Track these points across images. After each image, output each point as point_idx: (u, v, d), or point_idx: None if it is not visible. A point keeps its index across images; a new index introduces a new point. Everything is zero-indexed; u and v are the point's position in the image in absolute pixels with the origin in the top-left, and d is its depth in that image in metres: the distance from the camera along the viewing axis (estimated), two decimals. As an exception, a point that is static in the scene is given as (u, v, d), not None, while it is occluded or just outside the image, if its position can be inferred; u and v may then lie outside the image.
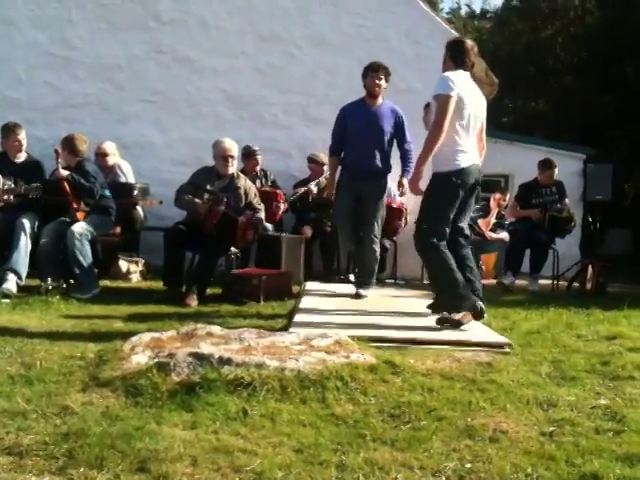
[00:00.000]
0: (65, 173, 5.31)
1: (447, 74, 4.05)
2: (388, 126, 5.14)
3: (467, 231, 4.29)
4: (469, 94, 4.07)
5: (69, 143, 5.53)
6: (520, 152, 9.44)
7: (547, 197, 7.10)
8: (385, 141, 5.14)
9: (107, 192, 5.64)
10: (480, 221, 7.58)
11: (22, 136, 5.51)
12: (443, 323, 4.01)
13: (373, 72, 5.15)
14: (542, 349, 3.78)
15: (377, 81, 5.14)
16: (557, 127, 15.31)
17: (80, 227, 5.27)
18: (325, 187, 6.83)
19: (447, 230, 4.06)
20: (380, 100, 5.22)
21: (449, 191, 4.04)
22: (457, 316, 3.99)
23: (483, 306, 4.21)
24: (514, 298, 6.10)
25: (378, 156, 5.09)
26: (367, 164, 5.07)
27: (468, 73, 4.16)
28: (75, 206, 5.36)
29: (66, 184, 5.28)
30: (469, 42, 4.25)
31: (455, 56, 4.19)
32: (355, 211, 5.18)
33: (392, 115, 5.19)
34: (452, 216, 4.07)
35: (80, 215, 5.38)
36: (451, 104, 3.94)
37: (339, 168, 5.37)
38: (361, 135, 5.11)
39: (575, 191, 8.27)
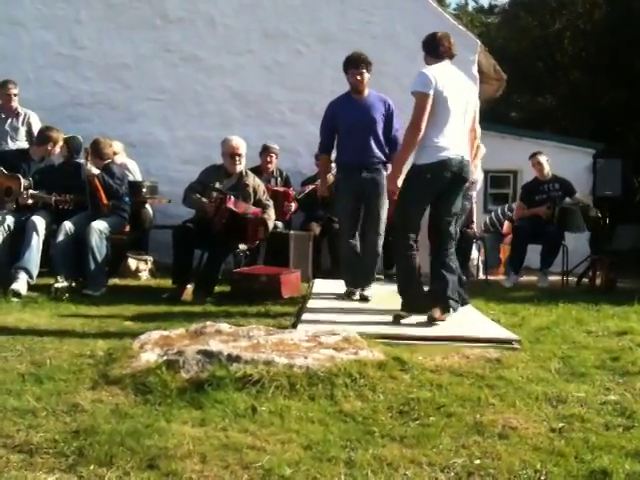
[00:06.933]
0: (96, 171, 5.43)
1: (425, 70, 4.02)
2: (380, 116, 5.02)
3: (452, 228, 4.20)
4: (450, 85, 4.01)
5: (95, 147, 5.62)
6: (528, 148, 9.34)
7: (551, 193, 7.06)
8: (379, 132, 5.02)
9: (127, 198, 5.74)
10: (507, 224, 7.58)
11: (62, 143, 5.66)
12: (398, 320, 4.03)
13: (354, 68, 4.99)
14: (551, 345, 3.77)
15: (359, 77, 4.99)
16: (565, 122, 15.27)
17: (100, 224, 5.32)
18: (332, 184, 6.83)
19: (418, 223, 4.04)
20: (367, 91, 5.10)
21: (420, 185, 4.00)
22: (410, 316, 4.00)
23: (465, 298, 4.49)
24: (523, 294, 6.08)
25: (375, 149, 4.98)
26: (364, 158, 4.96)
27: (447, 61, 4.13)
28: (105, 202, 5.44)
29: (96, 181, 5.39)
30: (440, 32, 4.23)
31: (431, 50, 4.18)
32: (358, 209, 5.05)
33: (382, 105, 5.06)
34: (423, 210, 4.05)
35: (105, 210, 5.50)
36: (428, 102, 3.92)
37: (333, 166, 5.37)
38: (354, 129, 4.99)
39: (584, 186, 8.24)
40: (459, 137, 4.08)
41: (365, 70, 4.99)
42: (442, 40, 4.17)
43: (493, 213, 7.95)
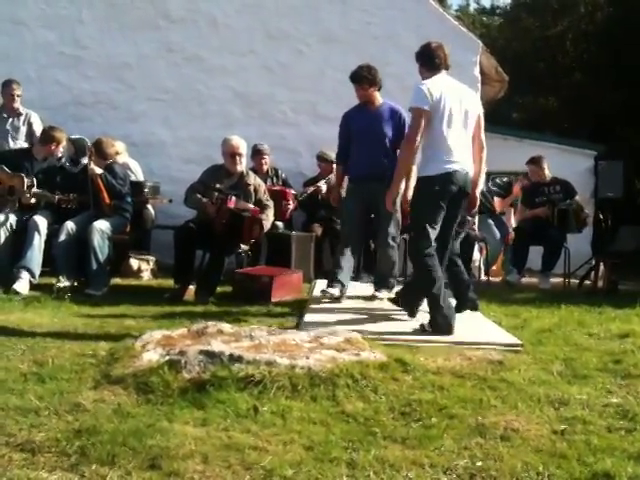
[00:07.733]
0: (99, 171, 5.43)
1: (422, 83, 3.97)
2: (389, 127, 5.02)
3: (457, 249, 4.26)
4: (448, 97, 3.96)
5: (98, 147, 5.62)
6: (530, 150, 9.36)
7: (551, 195, 7.05)
8: (387, 143, 5.02)
9: (129, 198, 5.74)
10: (497, 200, 7.55)
11: (65, 142, 5.70)
12: (423, 330, 3.94)
13: (356, 84, 5.01)
14: (553, 347, 3.77)
15: (363, 91, 5.01)
16: (567, 124, 15.26)
17: (102, 224, 5.32)
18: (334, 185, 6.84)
19: (433, 236, 3.95)
20: (379, 101, 5.11)
21: (431, 196, 3.95)
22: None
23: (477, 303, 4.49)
24: (525, 296, 6.08)
25: (383, 159, 4.97)
26: (372, 168, 4.96)
27: (443, 72, 4.07)
28: (107, 202, 5.44)
29: (99, 181, 5.39)
30: (434, 43, 4.13)
31: (426, 62, 4.11)
32: (364, 217, 5.09)
33: (393, 116, 5.06)
34: (438, 221, 3.96)
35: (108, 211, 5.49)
36: (424, 118, 3.89)
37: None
38: (363, 139, 5.02)
39: (586, 188, 8.23)
40: (462, 150, 4.03)
41: (368, 85, 4.99)
42: (437, 51, 4.08)
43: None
